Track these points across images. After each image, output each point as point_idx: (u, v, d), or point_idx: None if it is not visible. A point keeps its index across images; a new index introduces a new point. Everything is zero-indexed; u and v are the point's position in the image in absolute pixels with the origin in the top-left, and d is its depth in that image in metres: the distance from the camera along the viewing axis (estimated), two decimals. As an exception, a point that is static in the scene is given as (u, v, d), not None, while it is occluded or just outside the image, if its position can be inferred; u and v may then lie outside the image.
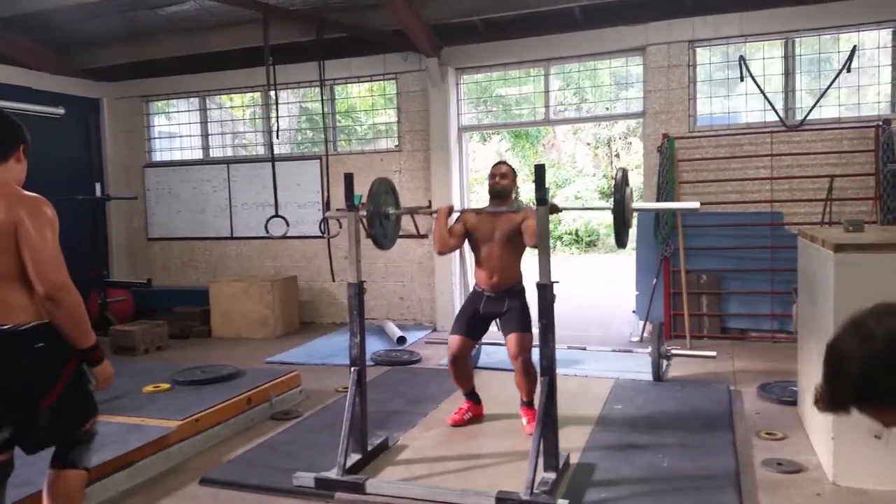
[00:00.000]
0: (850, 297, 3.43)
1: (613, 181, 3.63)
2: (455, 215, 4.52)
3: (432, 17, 7.43)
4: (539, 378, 3.59)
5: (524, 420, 4.42)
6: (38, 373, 2.43)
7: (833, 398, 1.35)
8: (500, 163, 4.55)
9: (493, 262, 4.33)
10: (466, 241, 4.49)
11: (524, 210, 4.35)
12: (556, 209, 3.80)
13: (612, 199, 3.55)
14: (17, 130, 2.65)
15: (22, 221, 2.41)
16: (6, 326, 2.36)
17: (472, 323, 4.45)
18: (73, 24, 8.06)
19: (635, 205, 3.71)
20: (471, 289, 4.61)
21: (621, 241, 3.68)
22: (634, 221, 6.56)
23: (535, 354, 3.74)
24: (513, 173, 4.48)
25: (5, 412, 2.41)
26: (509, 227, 4.29)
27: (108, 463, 3.70)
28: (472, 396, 4.66)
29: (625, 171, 3.64)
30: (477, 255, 4.45)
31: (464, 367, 4.55)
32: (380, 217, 4.07)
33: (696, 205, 3.93)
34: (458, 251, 7.89)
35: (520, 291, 4.40)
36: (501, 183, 4.39)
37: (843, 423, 3.46)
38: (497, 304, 4.37)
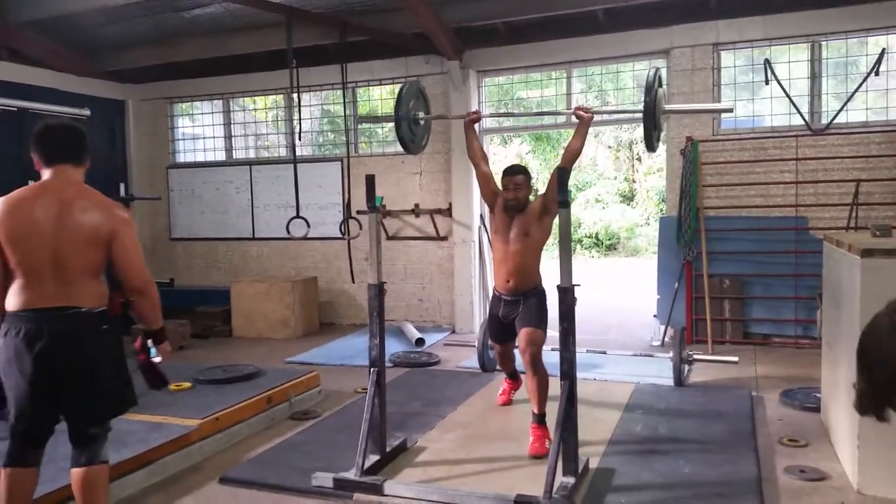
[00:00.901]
0: (876, 302, 3.34)
1: (645, 80, 3.68)
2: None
3: (454, 20, 7.44)
4: (560, 381, 3.56)
5: (531, 439, 4.12)
6: (101, 351, 2.92)
7: (875, 396, 1.33)
8: (513, 172, 4.32)
9: (510, 262, 4.26)
10: (489, 221, 4.56)
11: (541, 195, 4.31)
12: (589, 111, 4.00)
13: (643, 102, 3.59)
14: (87, 139, 3.18)
15: (120, 227, 2.92)
16: (84, 309, 2.84)
17: (499, 330, 4.54)
18: (98, 27, 8.18)
19: (667, 106, 3.74)
20: (489, 290, 4.63)
21: (651, 145, 3.72)
22: (656, 225, 6.49)
23: (555, 357, 3.71)
24: (527, 181, 4.29)
25: (70, 382, 2.83)
26: (529, 221, 4.21)
27: (129, 461, 3.75)
28: (512, 374, 4.94)
29: (658, 70, 3.65)
30: (494, 252, 4.45)
31: (510, 357, 4.81)
32: (409, 122, 4.15)
33: (729, 105, 4.01)
34: (477, 252, 7.91)
35: (538, 294, 4.31)
36: (518, 195, 4.23)
37: (869, 430, 3.41)
38: (514, 308, 4.32)
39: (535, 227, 4.22)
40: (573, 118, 4.26)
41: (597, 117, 4.27)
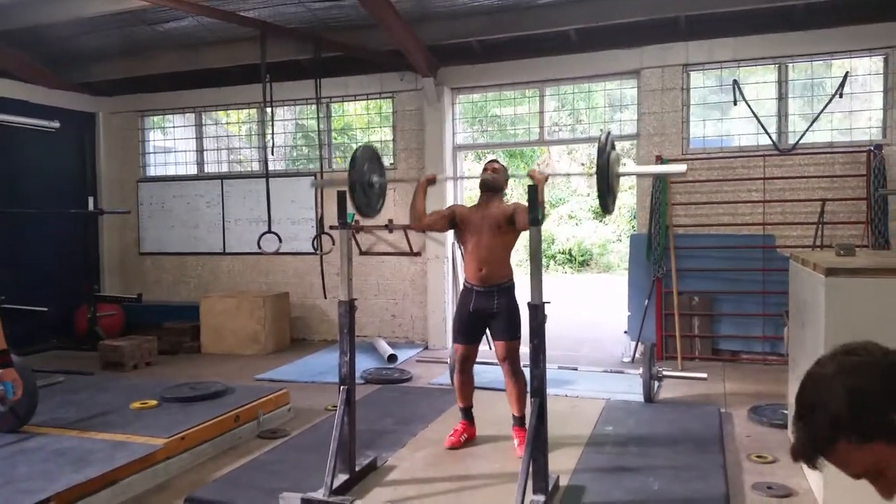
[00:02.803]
0: (840, 321, 3.44)
1: (598, 143, 3.55)
2: (444, 203, 4.47)
3: (429, 38, 7.49)
4: (529, 399, 3.56)
5: (515, 442, 4.38)
6: None
7: (809, 444, 1.30)
8: (492, 160, 4.56)
9: (482, 252, 4.26)
10: (455, 234, 4.42)
11: (516, 203, 4.32)
12: (543, 178, 3.82)
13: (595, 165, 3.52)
14: None
15: None
16: None
17: (468, 327, 4.41)
18: (69, 39, 8.09)
19: (621, 169, 3.66)
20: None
21: (606, 208, 3.58)
22: (627, 242, 6.52)
23: (526, 374, 3.71)
24: (504, 171, 4.48)
25: None
26: (500, 215, 4.25)
27: (93, 480, 3.66)
28: (468, 415, 4.61)
29: (609, 133, 3.55)
30: (465, 246, 4.40)
31: (469, 374, 4.54)
32: (363, 185, 4.00)
33: (682, 168, 3.84)
34: (451, 268, 7.91)
35: (509, 289, 4.34)
36: (494, 177, 4.37)
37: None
38: (487, 300, 4.29)
39: (504, 224, 4.24)
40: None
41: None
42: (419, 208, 4.33)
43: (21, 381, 2.72)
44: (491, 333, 4.42)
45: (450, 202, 7.96)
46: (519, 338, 4.29)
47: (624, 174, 3.75)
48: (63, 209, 8.42)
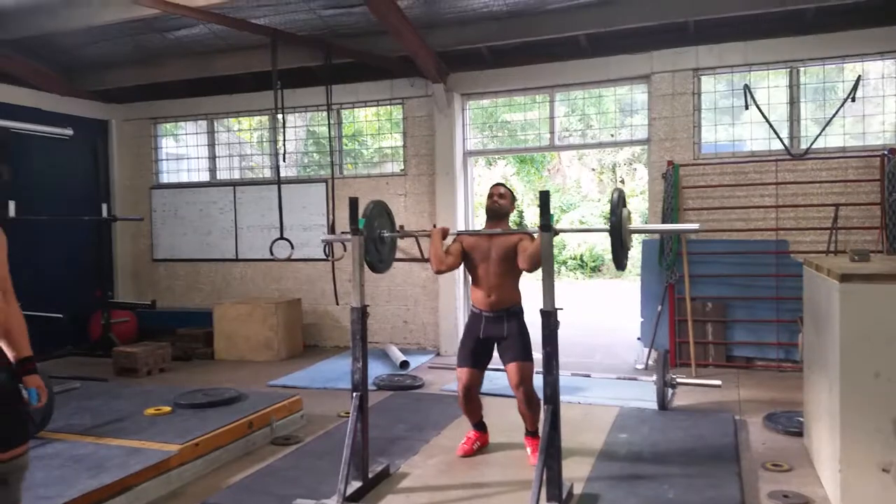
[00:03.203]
0: (855, 327, 3.42)
1: (609, 202, 3.59)
2: (451, 238, 4.47)
3: (439, 45, 7.51)
4: (542, 406, 3.56)
5: (529, 450, 4.37)
6: None
7: None
8: (498, 184, 4.53)
9: (490, 280, 4.27)
10: (464, 264, 4.43)
11: (521, 233, 4.29)
12: (553, 231, 3.65)
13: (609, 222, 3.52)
14: None
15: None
16: None
17: (476, 352, 4.37)
18: (82, 47, 8.17)
19: (632, 226, 3.66)
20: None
21: (620, 264, 3.62)
22: (639, 247, 6.51)
23: (539, 381, 3.70)
24: (511, 195, 4.46)
25: None
26: (506, 246, 4.24)
27: (107, 486, 3.67)
28: (479, 425, 4.61)
29: (621, 192, 3.58)
30: (474, 274, 4.38)
31: (475, 399, 4.49)
32: (375, 241, 4.06)
33: (695, 226, 3.85)
34: (462, 274, 7.91)
35: (518, 313, 4.34)
36: (499, 203, 4.37)
37: (851, 454, 3.43)
38: (496, 325, 4.29)
39: (511, 255, 4.23)
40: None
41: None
42: (439, 254, 4.28)
43: (46, 389, 2.75)
44: (502, 358, 4.35)
45: (461, 207, 7.99)
46: (532, 360, 4.24)
47: (636, 231, 3.76)
48: (77, 216, 8.49)
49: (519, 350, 4.24)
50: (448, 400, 5.83)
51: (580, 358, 7.48)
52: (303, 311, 8.55)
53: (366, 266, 4.04)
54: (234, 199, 9.05)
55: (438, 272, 4.34)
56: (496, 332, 4.30)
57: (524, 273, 4.32)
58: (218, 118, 9.34)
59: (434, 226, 4.37)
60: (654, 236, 7.23)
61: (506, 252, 4.24)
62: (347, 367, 4.08)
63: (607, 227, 3.52)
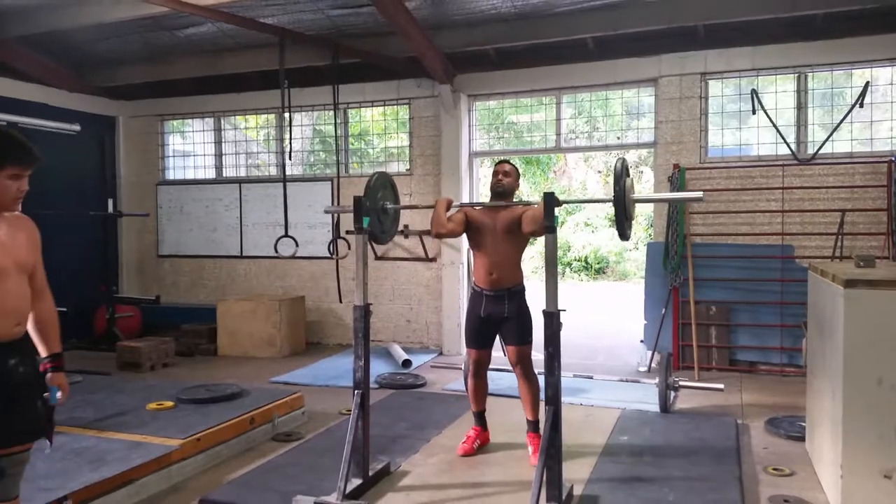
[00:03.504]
0: (859, 333, 3.41)
1: (613, 171, 3.58)
2: (454, 209, 4.40)
3: (446, 46, 7.51)
4: (543, 407, 3.55)
5: (530, 449, 4.36)
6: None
7: None
8: (502, 161, 4.49)
9: (493, 257, 4.25)
10: (467, 237, 4.42)
11: (524, 205, 4.28)
12: (556, 202, 3.62)
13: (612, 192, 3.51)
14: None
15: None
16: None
17: (480, 333, 4.39)
18: (91, 44, 8.20)
19: (636, 196, 3.66)
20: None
21: (624, 234, 3.62)
22: (644, 250, 6.48)
23: (541, 381, 3.70)
24: (516, 172, 4.43)
25: None
26: (510, 219, 4.22)
27: (109, 479, 3.69)
28: (481, 421, 4.61)
29: (624, 161, 3.57)
30: (477, 250, 4.36)
31: (483, 378, 4.53)
32: (377, 212, 4.07)
33: (699, 194, 3.80)
34: (466, 273, 7.92)
35: (520, 293, 4.32)
36: (504, 181, 4.33)
37: (852, 460, 3.42)
38: (498, 304, 4.27)
39: (515, 229, 4.21)
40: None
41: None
42: (442, 217, 4.21)
43: (68, 388, 2.75)
44: (502, 338, 4.40)
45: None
46: (530, 342, 4.28)
47: (640, 201, 3.76)
48: (83, 211, 8.53)
49: (518, 333, 4.26)
50: (450, 399, 5.83)
51: (583, 359, 7.48)
52: (306, 309, 8.57)
53: (370, 264, 4.04)
54: (240, 197, 9.08)
55: (437, 235, 4.29)
56: (497, 310, 4.28)
57: (527, 245, 4.34)
58: (225, 116, 9.37)
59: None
60: (659, 238, 7.21)
61: (509, 225, 4.21)
62: (350, 364, 4.09)
63: (611, 197, 3.52)
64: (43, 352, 2.68)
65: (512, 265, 4.30)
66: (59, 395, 2.67)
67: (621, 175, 3.47)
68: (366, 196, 3.96)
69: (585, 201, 16.68)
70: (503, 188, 4.34)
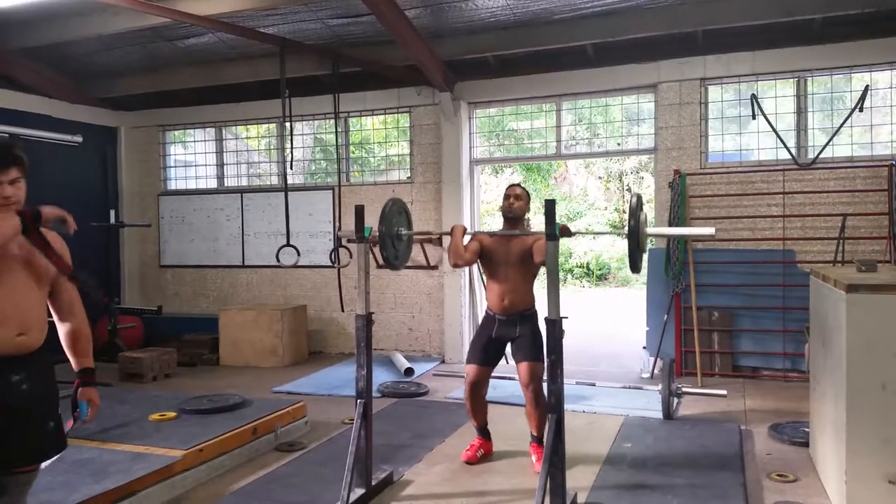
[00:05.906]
0: (862, 338, 3.40)
1: (629, 205, 3.61)
2: (467, 237, 4.46)
3: (445, 53, 7.54)
4: (547, 415, 3.55)
5: (533, 458, 4.36)
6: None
7: None
8: (513, 185, 4.54)
9: (506, 284, 4.31)
10: (479, 263, 4.48)
11: (537, 234, 4.29)
12: (567, 232, 3.73)
13: (626, 225, 3.52)
14: None
15: None
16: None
17: (486, 349, 4.40)
18: (92, 55, 8.23)
19: (650, 230, 3.67)
20: (480, 320, 4.56)
21: (636, 266, 3.63)
22: (645, 257, 6.51)
23: (544, 388, 3.70)
24: (526, 195, 4.49)
25: None
26: (522, 248, 4.28)
27: (111, 491, 3.68)
28: (484, 432, 4.61)
29: (639, 197, 3.61)
30: (490, 277, 4.42)
31: (481, 397, 4.50)
32: (392, 238, 4.10)
33: (711, 230, 3.81)
34: (467, 281, 7.92)
35: (532, 316, 4.36)
36: (515, 205, 4.39)
37: (857, 466, 3.40)
38: (509, 328, 4.33)
39: (528, 257, 4.26)
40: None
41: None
42: (460, 248, 4.25)
43: (98, 405, 2.68)
44: (514, 356, 4.39)
45: (467, 215, 7.99)
46: (543, 361, 4.23)
47: (653, 235, 3.77)
48: (85, 222, 8.44)
49: (530, 350, 4.26)
50: (453, 408, 5.82)
51: (585, 366, 7.46)
52: (308, 318, 8.57)
53: (371, 273, 4.05)
54: (242, 206, 9.09)
55: (455, 266, 4.37)
56: (508, 333, 4.35)
57: (538, 272, 4.36)
58: (226, 126, 9.39)
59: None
60: (660, 245, 7.21)
61: (522, 253, 4.27)
62: (352, 373, 4.09)
63: (625, 231, 3.54)
64: (75, 366, 2.63)
65: (524, 291, 4.35)
66: (88, 410, 2.63)
67: (637, 210, 3.48)
68: (381, 223, 4.00)
69: (599, 233, 16.78)
70: (514, 213, 4.39)
